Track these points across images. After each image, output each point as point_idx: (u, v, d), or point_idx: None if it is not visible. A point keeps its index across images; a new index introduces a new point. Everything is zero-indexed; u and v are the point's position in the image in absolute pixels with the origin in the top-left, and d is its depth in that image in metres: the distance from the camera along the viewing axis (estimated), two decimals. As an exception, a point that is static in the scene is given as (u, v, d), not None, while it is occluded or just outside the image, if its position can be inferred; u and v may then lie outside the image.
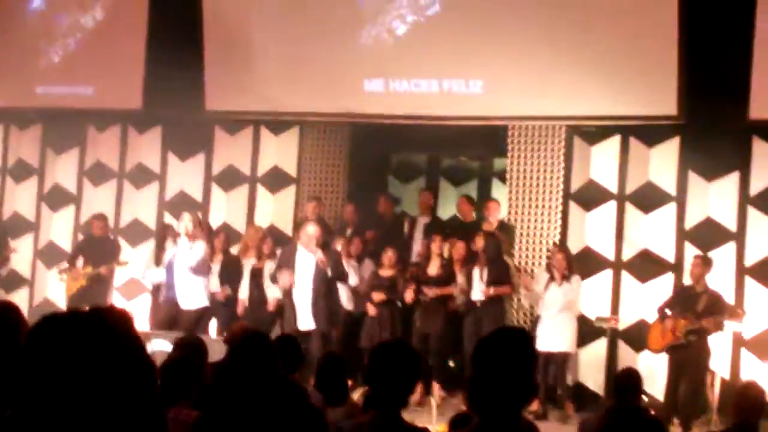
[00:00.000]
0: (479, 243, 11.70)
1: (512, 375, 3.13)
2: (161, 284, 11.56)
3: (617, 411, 6.17)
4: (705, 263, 10.93)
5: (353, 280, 11.89)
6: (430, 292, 11.54)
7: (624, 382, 6.77)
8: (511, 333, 3.45)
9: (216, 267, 12.28)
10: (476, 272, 11.57)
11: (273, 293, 11.98)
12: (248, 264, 12.43)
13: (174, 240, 11.53)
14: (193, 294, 11.35)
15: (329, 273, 11.05)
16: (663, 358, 11.06)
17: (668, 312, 10.92)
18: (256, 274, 12.22)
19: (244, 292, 12.30)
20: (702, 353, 10.65)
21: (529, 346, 3.31)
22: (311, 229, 11.22)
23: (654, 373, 11.42)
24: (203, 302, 11.46)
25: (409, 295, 11.57)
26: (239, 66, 13.44)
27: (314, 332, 10.90)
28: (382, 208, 13.35)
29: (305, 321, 11.02)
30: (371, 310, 11.72)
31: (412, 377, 4.05)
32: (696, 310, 10.62)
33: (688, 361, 10.65)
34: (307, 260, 11.16)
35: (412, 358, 4.10)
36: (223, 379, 4.79)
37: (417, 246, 12.71)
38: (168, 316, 11.27)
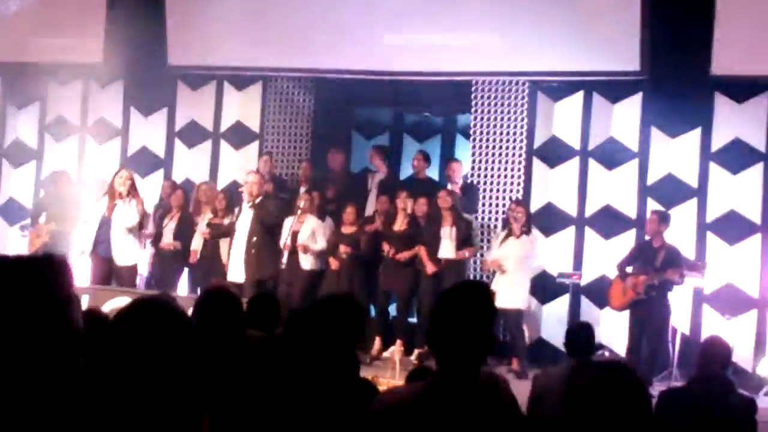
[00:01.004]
0: (446, 201, 11.65)
1: (471, 328, 3.13)
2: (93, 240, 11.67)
3: (586, 366, 6.10)
4: (662, 219, 10.97)
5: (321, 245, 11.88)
6: (401, 255, 11.51)
7: (575, 336, 6.68)
8: (472, 286, 3.43)
9: (173, 224, 12.40)
10: (444, 230, 11.54)
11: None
12: (204, 220, 12.38)
13: (111, 197, 11.57)
14: (127, 251, 11.55)
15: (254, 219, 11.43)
16: (625, 315, 11.13)
17: (628, 269, 11.01)
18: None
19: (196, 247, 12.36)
20: (662, 308, 10.73)
21: (489, 300, 3.30)
22: (245, 177, 11.71)
23: (616, 329, 11.52)
24: (136, 259, 11.70)
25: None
26: (201, 20, 13.29)
27: (245, 283, 11.27)
28: (333, 163, 13.15)
29: (237, 273, 11.47)
30: (333, 263, 11.68)
31: (355, 331, 4.07)
32: (655, 265, 10.70)
33: (648, 317, 10.72)
34: (246, 212, 11.53)
35: (355, 312, 4.12)
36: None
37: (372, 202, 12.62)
38: (103, 271, 11.48)
